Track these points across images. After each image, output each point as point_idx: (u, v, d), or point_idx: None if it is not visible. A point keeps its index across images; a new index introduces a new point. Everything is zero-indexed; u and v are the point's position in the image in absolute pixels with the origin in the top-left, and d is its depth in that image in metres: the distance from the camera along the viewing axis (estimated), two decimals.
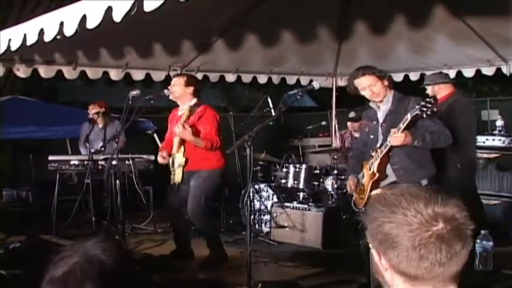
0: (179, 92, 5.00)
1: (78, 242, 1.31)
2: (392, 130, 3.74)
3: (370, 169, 4.01)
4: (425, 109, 3.57)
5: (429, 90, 5.39)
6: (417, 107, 3.59)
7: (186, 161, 4.94)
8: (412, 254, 1.18)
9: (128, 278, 1.28)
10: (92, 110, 6.62)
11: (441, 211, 1.19)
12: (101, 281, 1.21)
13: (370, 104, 4.16)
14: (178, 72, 5.35)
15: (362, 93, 4.02)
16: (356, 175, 4.19)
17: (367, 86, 3.95)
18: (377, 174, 3.94)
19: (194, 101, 5.04)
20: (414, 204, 1.20)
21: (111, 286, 1.23)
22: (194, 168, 4.95)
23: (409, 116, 3.64)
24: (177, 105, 5.20)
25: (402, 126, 3.69)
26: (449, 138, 3.85)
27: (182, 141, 4.93)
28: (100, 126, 6.67)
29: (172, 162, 5.07)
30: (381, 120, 4.06)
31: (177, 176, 5.00)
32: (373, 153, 4.01)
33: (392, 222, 1.20)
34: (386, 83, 3.98)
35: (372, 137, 4.14)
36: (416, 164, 3.93)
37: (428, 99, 3.61)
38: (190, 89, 5.01)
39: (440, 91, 5.29)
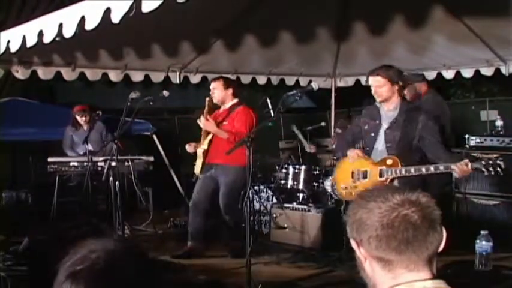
0: (220, 95, 5.40)
1: (94, 241, 1.31)
2: (465, 161, 3.70)
3: (381, 176, 4.06)
4: (491, 169, 3.61)
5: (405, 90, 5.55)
6: (483, 163, 3.64)
7: (205, 154, 5.33)
8: (381, 233, 1.28)
9: (145, 279, 1.28)
10: (82, 118, 6.74)
11: (407, 197, 1.31)
12: (120, 278, 1.21)
13: (376, 103, 4.22)
14: (216, 76, 5.70)
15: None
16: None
17: (374, 85, 4.09)
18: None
19: (235, 100, 5.44)
20: (384, 193, 1.34)
21: (129, 285, 1.23)
22: (222, 162, 5.22)
23: (470, 166, 3.67)
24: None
25: (469, 166, 3.68)
26: None
27: (206, 134, 5.32)
28: (85, 128, 6.74)
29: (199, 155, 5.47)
30: (385, 125, 4.13)
31: (198, 167, 5.42)
32: (389, 161, 4.03)
33: (364, 208, 1.33)
34: (396, 87, 4.09)
35: (372, 134, 4.20)
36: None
37: (493, 160, 3.63)
38: (230, 90, 5.42)
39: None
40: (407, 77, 5.67)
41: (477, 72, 6.88)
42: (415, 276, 1.29)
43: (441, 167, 3.80)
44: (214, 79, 5.56)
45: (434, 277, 1.31)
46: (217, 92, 5.40)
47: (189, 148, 5.53)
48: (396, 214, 1.28)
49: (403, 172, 3.94)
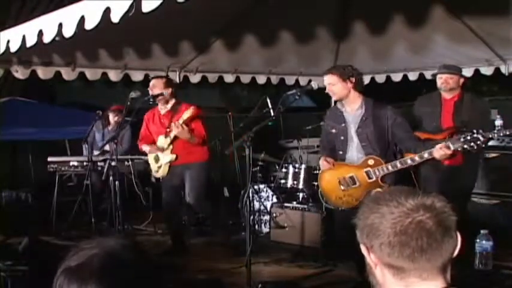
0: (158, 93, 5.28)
1: (100, 237, 1.31)
2: (445, 144, 3.72)
3: (370, 177, 4.04)
4: (472, 145, 3.62)
5: (453, 79, 4.80)
6: (462, 140, 3.66)
7: (176, 158, 5.25)
8: (394, 240, 1.23)
9: (143, 278, 1.27)
10: (115, 117, 6.76)
11: (421, 201, 1.25)
12: (116, 277, 1.21)
13: (338, 104, 4.24)
14: (159, 74, 5.65)
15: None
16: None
17: (327, 83, 4.10)
18: (382, 184, 3.99)
19: (174, 100, 5.34)
20: (397, 197, 1.27)
21: (125, 284, 1.23)
22: (185, 162, 5.25)
23: (451, 146, 3.70)
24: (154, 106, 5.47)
25: (451, 147, 3.70)
26: None
27: (172, 140, 5.20)
28: (109, 128, 6.73)
29: (157, 159, 5.34)
30: (353, 126, 4.12)
31: (164, 171, 5.32)
32: (371, 162, 4.02)
33: (376, 213, 1.27)
34: (349, 85, 4.06)
35: (342, 138, 4.18)
36: None
37: (470, 135, 3.64)
38: (169, 90, 5.30)
39: (460, 85, 4.88)
40: (457, 67, 5.02)
41: (477, 71, 6.86)
42: (428, 285, 1.25)
43: (425, 155, 3.81)
44: (156, 77, 5.43)
45: (449, 286, 1.26)
46: (156, 90, 5.25)
47: (149, 148, 5.37)
48: (410, 220, 1.23)
49: (390, 168, 3.95)
